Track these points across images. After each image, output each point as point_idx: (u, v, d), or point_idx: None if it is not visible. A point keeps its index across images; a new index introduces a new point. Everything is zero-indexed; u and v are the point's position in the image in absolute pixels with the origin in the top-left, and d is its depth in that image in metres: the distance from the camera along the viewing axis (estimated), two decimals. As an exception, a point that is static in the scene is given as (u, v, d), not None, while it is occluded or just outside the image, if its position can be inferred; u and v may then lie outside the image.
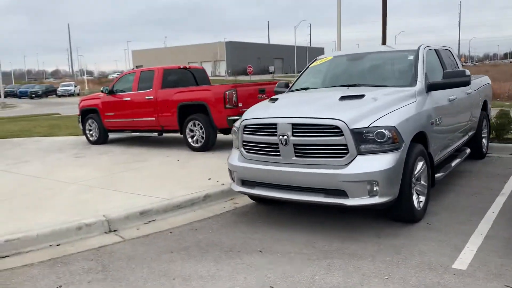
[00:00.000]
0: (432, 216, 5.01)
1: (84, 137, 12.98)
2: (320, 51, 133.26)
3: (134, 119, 10.69)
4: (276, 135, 4.61)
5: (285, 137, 4.51)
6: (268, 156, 4.74)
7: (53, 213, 5.46)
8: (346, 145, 4.26)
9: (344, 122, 4.26)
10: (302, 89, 5.98)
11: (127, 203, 5.71)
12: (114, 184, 6.86)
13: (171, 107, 9.92)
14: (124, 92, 11.06)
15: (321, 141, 4.36)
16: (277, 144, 4.61)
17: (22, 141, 12.86)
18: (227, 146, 10.10)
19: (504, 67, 56.42)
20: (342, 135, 4.26)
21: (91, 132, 11.76)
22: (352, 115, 4.34)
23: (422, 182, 4.87)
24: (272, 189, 4.74)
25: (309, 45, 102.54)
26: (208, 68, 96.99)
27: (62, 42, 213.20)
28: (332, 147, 4.34)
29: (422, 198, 4.87)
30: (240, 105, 9.15)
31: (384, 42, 12.17)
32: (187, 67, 11.19)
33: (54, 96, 56.85)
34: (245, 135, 4.96)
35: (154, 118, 10.28)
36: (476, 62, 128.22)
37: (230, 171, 5.29)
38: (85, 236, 4.96)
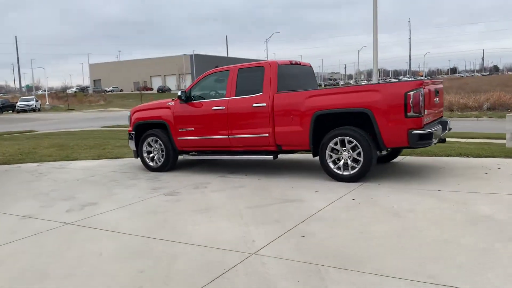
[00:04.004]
0: None
1: (122, 160, 9.74)
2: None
3: (231, 136, 7.41)
4: None
5: None
6: None
7: None
8: None
9: None
10: None
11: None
12: (332, 255, 3.68)
13: (300, 118, 6.76)
14: (205, 98, 7.81)
15: None
16: None
17: (39, 169, 9.18)
18: (381, 172, 6.98)
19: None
20: None
21: (151, 155, 8.34)
22: None
23: None
24: None
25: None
26: (173, 82, 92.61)
27: (10, 56, 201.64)
28: None
29: None
30: (425, 112, 6.16)
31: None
32: (298, 62, 8.04)
33: (11, 112, 51.20)
34: None
35: (267, 134, 7.06)
36: (440, 75, 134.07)
37: None
38: None
